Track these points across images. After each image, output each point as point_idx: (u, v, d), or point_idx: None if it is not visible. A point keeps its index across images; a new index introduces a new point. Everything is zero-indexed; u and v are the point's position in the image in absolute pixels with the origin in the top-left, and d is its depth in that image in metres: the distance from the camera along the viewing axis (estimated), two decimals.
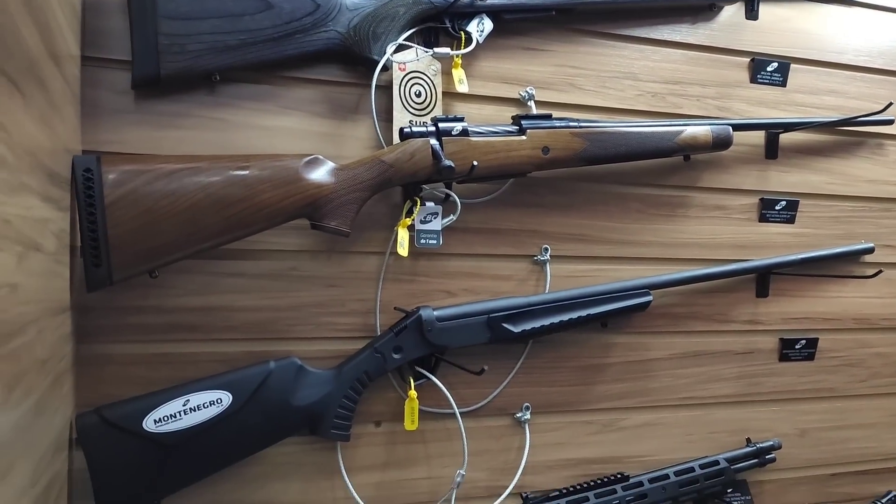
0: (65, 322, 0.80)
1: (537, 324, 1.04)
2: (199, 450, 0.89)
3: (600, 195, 1.15)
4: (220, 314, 0.97)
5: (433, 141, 0.96)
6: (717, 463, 1.17)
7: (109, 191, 0.81)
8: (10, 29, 0.53)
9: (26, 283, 0.58)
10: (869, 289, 1.31)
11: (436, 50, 1.02)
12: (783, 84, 1.26)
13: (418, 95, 1.04)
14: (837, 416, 1.32)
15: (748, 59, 1.24)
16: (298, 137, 1.00)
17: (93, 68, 0.91)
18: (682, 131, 1.11)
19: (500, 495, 1.09)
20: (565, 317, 1.06)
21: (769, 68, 1.25)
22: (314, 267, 1.01)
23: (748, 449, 1.22)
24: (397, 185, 0.98)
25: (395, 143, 1.00)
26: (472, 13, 1.04)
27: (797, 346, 1.28)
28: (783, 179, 1.26)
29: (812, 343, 1.28)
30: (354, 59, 0.99)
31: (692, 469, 1.16)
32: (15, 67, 0.54)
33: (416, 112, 1.03)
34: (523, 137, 1.02)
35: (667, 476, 1.14)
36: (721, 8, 1.22)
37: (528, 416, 1.11)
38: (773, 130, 1.24)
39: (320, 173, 0.92)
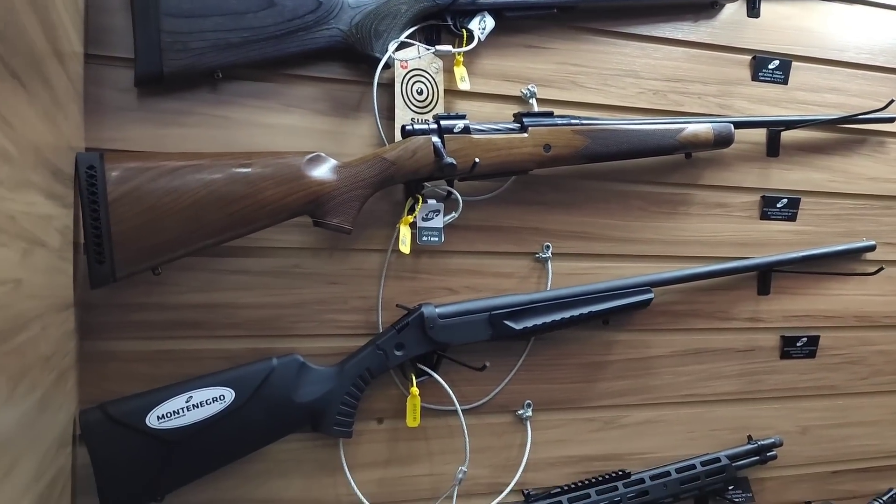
0: (68, 319, 0.81)
1: (539, 321, 1.05)
2: (201, 446, 0.89)
3: (602, 193, 1.16)
4: (223, 311, 0.97)
5: (435, 138, 0.96)
6: (718, 460, 1.18)
7: (112, 188, 0.81)
8: (16, 26, 0.54)
9: (30, 279, 0.58)
10: (870, 286, 1.31)
11: (438, 48, 1.02)
12: (784, 82, 1.26)
13: (420, 93, 1.04)
14: (839, 414, 1.32)
15: (750, 57, 1.24)
16: (301, 135, 1.00)
17: (96, 66, 0.91)
18: (683, 129, 1.11)
19: (502, 492, 1.09)
20: (567, 314, 1.06)
21: (771, 66, 1.25)
22: (316, 264, 1.01)
23: (749, 446, 1.22)
24: (399, 182, 0.98)
25: (396, 140, 1.00)
26: (474, 11, 1.04)
27: (798, 344, 1.28)
28: (784, 177, 1.26)
29: (813, 341, 1.29)
30: (356, 56, 1.00)
31: (693, 466, 1.16)
32: (20, 64, 0.54)
33: (418, 110, 1.04)
34: (525, 135, 1.02)
35: (668, 473, 1.14)
36: (723, 6, 1.22)
37: (529, 413, 1.11)
38: (774, 128, 1.24)
39: (322, 171, 0.92)
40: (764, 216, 1.25)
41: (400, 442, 1.06)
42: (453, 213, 1.03)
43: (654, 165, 1.18)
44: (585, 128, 1.05)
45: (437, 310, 1.00)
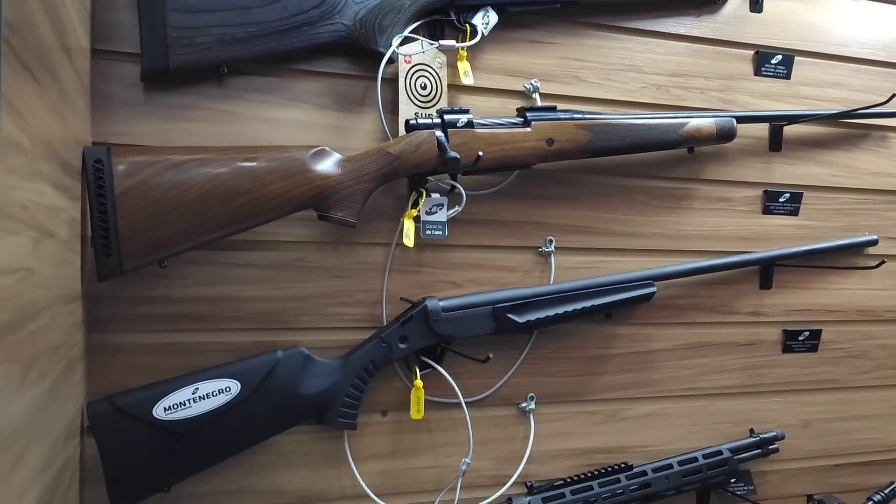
0: (76, 310, 0.81)
1: (542, 314, 1.05)
2: (207, 437, 0.90)
3: (604, 187, 1.16)
4: (229, 304, 0.98)
5: (438, 133, 0.97)
6: (720, 453, 1.18)
7: (119, 181, 0.82)
8: (27, 20, 0.55)
9: (41, 268, 0.59)
10: (872, 280, 1.32)
11: (441, 42, 1.03)
12: (787, 77, 1.26)
13: (424, 88, 1.04)
14: (841, 408, 1.32)
15: (752, 52, 1.24)
16: (305, 129, 1.01)
17: (102, 61, 0.92)
18: (686, 123, 1.12)
19: (505, 484, 1.10)
20: (570, 307, 1.07)
21: (773, 61, 1.25)
22: (321, 258, 1.02)
23: (751, 439, 1.22)
24: (403, 176, 0.99)
25: (400, 135, 1.00)
26: (478, 6, 1.05)
27: (800, 338, 1.28)
28: (787, 172, 1.27)
29: (815, 335, 1.29)
30: (360, 51, 1.00)
31: (696, 459, 1.16)
32: (30, 57, 0.55)
33: (422, 104, 1.04)
34: (528, 129, 1.03)
35: (670, 466, 1.14)
36: (725, 0, 1.22)
37: (532, 405, 1.12)
38: (776, 123, 1.24)
39: (327, 164, 0.93)
40: (766, 211, 1.25)
41: (404, 434, 1.07)
42: (457, 207, 1.04)
43: (656, 160, 1.18)
44: (588, 122, 1.06)
45: (441, 303, 1.01)
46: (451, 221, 1.04)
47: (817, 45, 1.28)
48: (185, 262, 0.94)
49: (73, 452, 0.79)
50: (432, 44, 1.02)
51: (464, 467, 1.05)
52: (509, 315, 1.04)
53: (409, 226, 0.99)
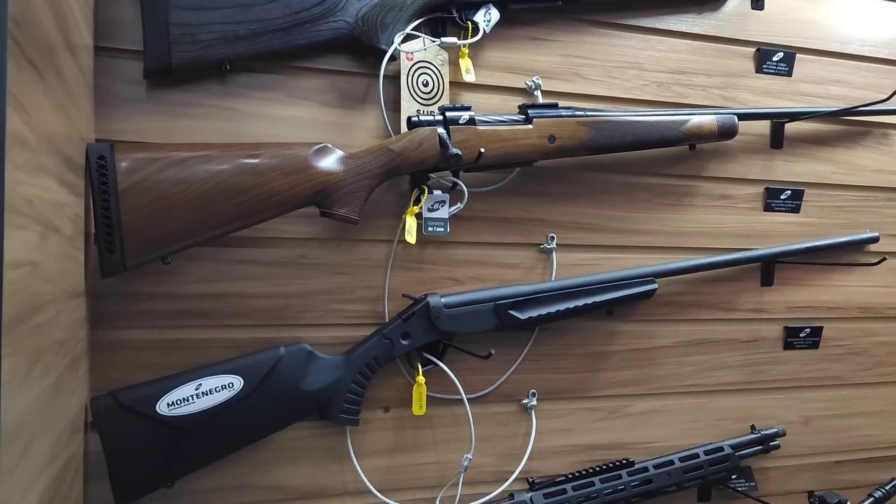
0: (80, 306, 0.82)
1: (543, 311, 1.06)
2: (210, 433, 0.90)
3: (606, 184, 1.16)
4: (231, 301, 0.98)
5: (440, 130, 0.97)
6: (721, 449, 1.19)
7: (123, 178, 0.82)
8: (31, 16, 0.55)
9: (46, 263, 0.59)
10: (874, 278, 1.32)
11: (443, 40, 1.03)
12: (789, 74, 1.26)
13: (426, 85, 1.05)
14: (842, 404, 1.32)
15: (754, 49, 1.24)
16: (307, 127, 1.01)
17: (105, 58, 0.92)
18: (687, 120, 1.12)
19: (507, 480, 1.10)
20: (571, 304, 1.07)
21: (775, 58, 1.25)
22: (323, 254, 1.02)
23: (752, 436, 1.23)
24: (405, 173, 0.99)
25: (402, 132, 1.01)
26: (479, 3, 1.05)
27: (802, 335, 1.28)
28: (788, 169, 1.27)
29: (817, 331, 1.29)
30: (363, 48, 1.00)
31: (697, 455, 1.17)
32: (35, 53, 0.56)
33: (424, 101, 1.04)
34: (530, 126, 1.03)
35: (672, 462, 1.15)
36: None
37: (534, 402, 1.12)
38: (778, 120, 1.24)
39: (329, 161, 0.93)
40: (768, 208, 1.26)
41: (406, 430, 1.07)
42: (459, 204, 1.04)
43: (658, 157, 1.18)
44: (590, 119, 1.06)
45: (443, 299, 1.01)
46: (453, 218, 1.05)
47: (818, 43, 1.28)
48: (187, 258, 0.95)
49: (76, 448, 0.79)
50: (434, 41, 1.03)
51: (466, 463, 1.05)
52: (511, 311, 1.04)
53: (411, 223, 1.00)
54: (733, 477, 1.21)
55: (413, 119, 0.98)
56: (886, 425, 1.36)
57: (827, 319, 1.30)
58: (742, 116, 1.17)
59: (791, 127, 1.25)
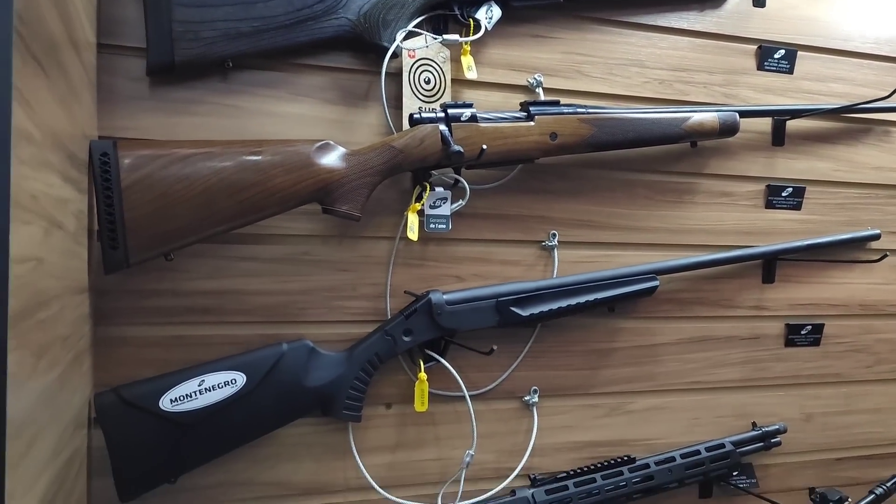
0: (83, 302, 0.82)
1: (545, 308, 1.06)
2: (213, 429, 0.91)
3: (607, 181, 1.16)
4: (234, 297, 0.99)
5: (442, 127, 0.98)
6: (722, 446, 1.19)
7: (125, 175, 0.83)
8: (36, 12, 0.55)
9: (50, 258, 0.59)
10: (875, 275, 1.32)
11: (445, 37, 1.03)
12: (790, 71, 1.26)
13: (427, 82, 1.05)
14: (843, 402, 1.33)
15: (755, 47, 1.24)
16: (310, 124, 1.01)
17: (108, 55, 0.92)
18: (689, 118, 1.12)
19: (509, 476, 1.10)
20: (573, 301, 1.07)
21: (776, 55, 1.25)
22: (326, 251, 1.02)
23: (754, 433, 1.23)
24: (407, 170, 0.99)
25: (404, 129, 1.01)
26: (481, 0, 1.05)
27: (803, 332, 1.29)
28: (790, 166, 1.27)
29: (818, 329, 1.29)
30: (365, 46, 1.01)
31: (698, 452, 1.17)
32: (40, 49, 0.56)
33: (426, 99, 1.05)
34: (531, 123, 1.03)
35: (673, 458, 1.15)
36: None
37: (536, 399, 1.13)
38: (779, 117, 1.24)
39: (332, 158, 0.93)
40: (769, 205, 1.26)
41: (408, 427, 1.07)
42: (460, 201, 1.04)
43: (659, 154, 1.18)
44: (591, 116, 1.06)
45: (445, 296, 1.01)
46: (455, 215, 1.05)
47: (820, 40, 1.28)
48: (190, 255, 0.95)
49: (80, 443, 0.80)
50: (436, 38, 1.03)
51: (468, 459, 1.06)
52: (513, 308, 1.04)
53: (413, 220, 1.00)
54: (734, 474, 1.21)
55: (415, 116, 0.98)
56: (887, 422, 1.36)
57: (828, 317, 1.30)
58: (743, 114, 1.17)
59: (792, 124, 1.25)
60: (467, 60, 1.05)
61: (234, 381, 0.92)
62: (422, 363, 1.03)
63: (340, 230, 1.02)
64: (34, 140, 0.53)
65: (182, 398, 0.89)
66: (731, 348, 1.25)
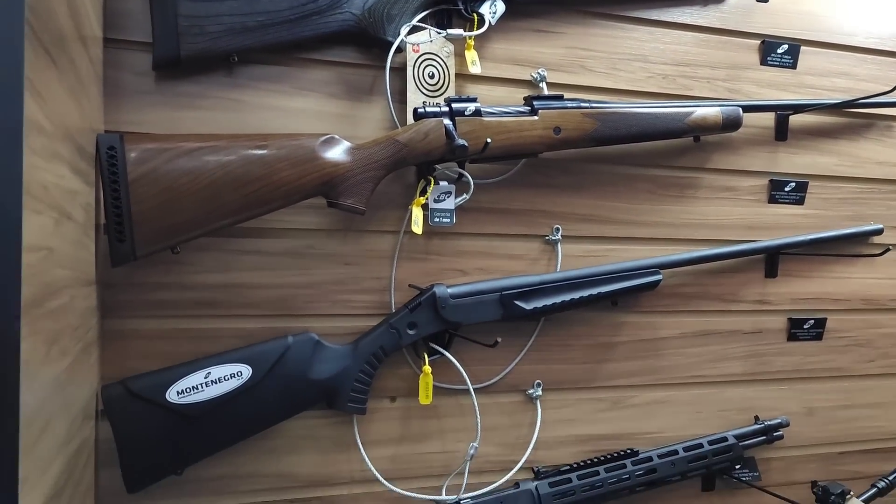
0: (91, 294, 0.83)
1: (549, 301, 1.06)
2: (219, 421, 0.91)
3: (610, 176, 1.17)
4: (239, 291, 0.99)
5: (446, 121, 0.98)
6: (725, 439, 1.19)
7: (132, 168, 0.83)
8: (46, 5, 0.56)
9: (61, 249, 0.60)
10: (877, 270, 1.33)
11: (449, 31, 1.03)
12: (793, 66, 1.27)
13: (431, 77, 1.05)
14: (845, 396, 1.33)
15: (758, 42, 1.25)
16: (314, 118, 1.02)
17: (114, 50, 0.93)
18: (692, 112, 1.13)
19: (512, 469, 1.11)
20: (576, 295, 1.08)
21: (779, 50, 1.25)
22: (330, 245, 1.03)
23: (756, 426, 1.23)
24: (411, 164, 1.00)
25: (409, 123, 1.01)
26: None
27: (805, 326, 1.29)
28: (792, 161, 1.27)
29: (820, 323, 1.30)
30: (369, 40, 1.01)
31: (701, 445, 1.17)
32: (50, 41, 0.56)
33: (430, 93, 1.05)
34: (535, 118, 1.03)
35: (676, 452, 1.16)
36: None
37: (539, 392, 1.13)
38: (782, 112, 1.25)
39: (336, 152, 0.94)
40: (772, 200, 1.26)
41: (412, 420, 1.08)
42: (464, 195, 1.05)
43: (662, 149, 1.19)
44: (595, 111, 1.06)
45: (449, 290, 1.02)
46: (459, 209, 1.05)
47: (823, 35, 1.28)
48: (196, 248, 0.96)
49: (88, 435, 0.80)
50: (440, 33, 1.03)
51: (472, 452, 1.06)
52: (516, 302, 1.05)
53: (417, 213, 1.00)
54: (737, 467, 1.22)
55: (419, 110, 0.99)
56: (890, 416, 1.36)
57: (831, 311, 1.31)
58: (746, 108, 1.17)
59: (795, 119, 1.26)
60: (471, 55, 1.06)
61: (239, 374, 0.92)
62: (426, 356, 1.03)
63: (345, 224, 1.03)
64: (45, 131, 0.54)
65: (188, 390, 0.90)
66: (734, 342, 1.25)
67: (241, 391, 0.92)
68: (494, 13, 1.06)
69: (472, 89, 1.08)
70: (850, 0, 1.30)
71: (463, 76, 1.07)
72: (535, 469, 1.12)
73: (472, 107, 1.00)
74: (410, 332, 1.01)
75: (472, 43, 1.06)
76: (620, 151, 1.15)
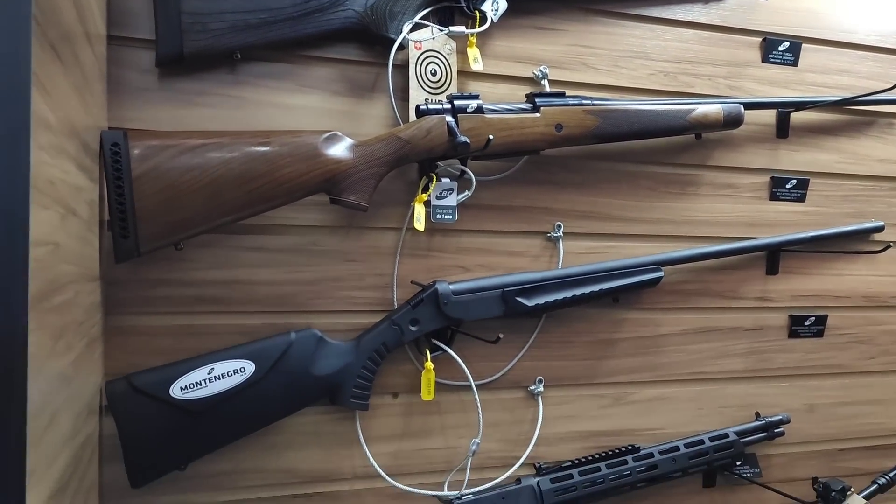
0: (95, 290, 0.83)
1: (550, 298, 1.07)
2: (222, 417, 0.92)
3: (612, 173, 1.17)
4: (242, 287, 1.00)
5: (449, 118, 0.98)
6: (726, 436, 1.19)
7: (136, 165, 0.84)
8: (51, 2, 0.56)
9: (66, 244, 0.60)
10: (878, 267, 1.33)
11: (451, 29, 1.04)
12: (794, 64, 1.27)
13: (434, 74, 1.05)
14: (846, 393, 1.33)
15: (760, 39, 1.25)
16: (317, 115, 1.02)
17: (117, 47, 0.93)
18: (693, 109, 1.13)
19: (514, 465, 1.11)
20: (578, 291, 1.08)
21: (781, 48, 1.26)
22: (333, 242, 1.03)
23: (757, 423, 1.24)
24: (413, 161, 1.00)
25: (411, 120, 1.02)
26: None
27: (806, 323, 1.29)
28: (794, 158, 1.27)
29: (821, 320, 1.30)
30: (371, 37, 1.01)
31: (702, 441, 1.18)
32: (56, 37, 0.57)
33: (432, 90, 1.05)
34: (537, 115, 1.04)
35: (677, 448, 1.16)
36: None
37: (541, 388, 1.13)
38: (783, 109, 1.25)
39: (339, 149, 0.94)
40: (773, 197, 1.26)
41: (415, 416, 1.08)
42: (466, 192, 1.05)
43: (663, 146, 1.19)
44: (597, 108, 1.07)
45: (451, 286, 1.02)
46: (461, 206, 1.06)
47: (824, 32, 1.28)
48: (199, 245, 0.96)
49: (92, 430, 0.81)
50: (442, 30, 1.04)
51: (474, 448, 1.07)
52: (518, 298, 1.05)
53: (419, 210, 1.01)
54: (738, 463, 1.22)
55: (421, 107, 0.99)
56: (890, 413, 1.36)
57: (832, 308, 1.31)
58: (748, 106, 1.18)
59: (796, 116, 1.26)
60: (473, 52, 1.06)
61: (243, 370, 0.93)
62: (428, 353, 1.03)
63: (348, 221, 1.03)
64: (52, 127, 0.54)
65: (192, 386, 0.90)
66: (735, 339, 1.26)
67: (245, 387, 0.92)
68: (496, 10, 1.06)
69: (474, 86, 1.09)
70: None
71: (465, 73, 1.08)
72: (537, 465, 1.12)
73: (474, 104, 1.00)
74: (412, 328, 1.01)
75: (475, 40, 1.06)
76: (622, 148, 1.15)
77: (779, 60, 1.26)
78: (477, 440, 1.07)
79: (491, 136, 1.00)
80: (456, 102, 1.00)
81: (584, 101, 1.07)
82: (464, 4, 1.05)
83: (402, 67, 1.04)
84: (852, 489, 1.20)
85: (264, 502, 1.02)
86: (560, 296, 1.07)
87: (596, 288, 1.09)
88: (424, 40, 1.04)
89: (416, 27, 1.03)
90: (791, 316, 1.29)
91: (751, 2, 1.24)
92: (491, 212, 1.10)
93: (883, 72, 1.32)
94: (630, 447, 1.14)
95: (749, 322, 1.26)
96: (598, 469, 1.11)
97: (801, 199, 1.28)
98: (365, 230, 1.05)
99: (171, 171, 0.85)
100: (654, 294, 1.19)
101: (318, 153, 0.93)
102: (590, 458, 1.12)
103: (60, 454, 0.59)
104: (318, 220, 1.02)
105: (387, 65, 1.01)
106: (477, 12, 1.05)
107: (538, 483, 1.08)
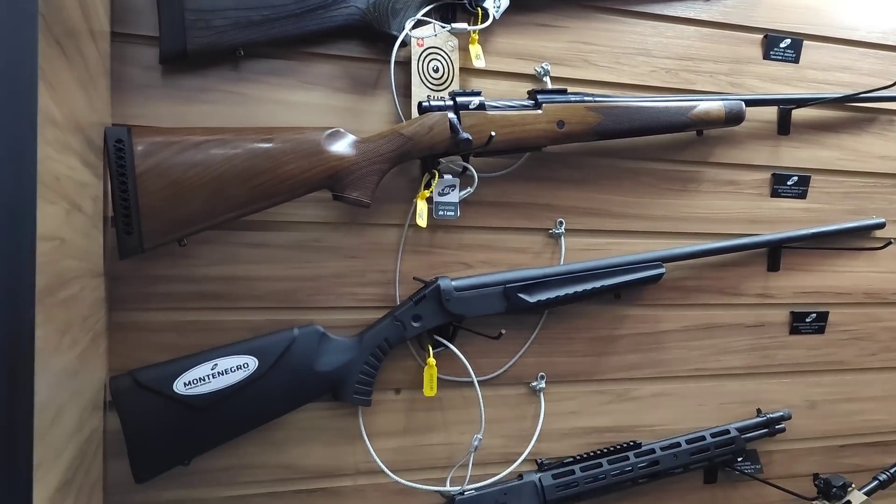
0: (99, 286, 0.83)
1: (552, 294, 1.07)
2: (226, 412, 0.92)
3: (613, 170, 1.17)
4: (245, 283, 1.00)
5: (451, 114, 0.99)
6: (727, 432, 1.20)
7: (139, 161, 0.84)
8: None
9: (72, 239, 0.61)
10: (879, 263, 1.33)
11: (453, 25, 1.04)
12: (796, 60, 1.27)
13: (436, 71, 1.06)
14: (847, 389, 1.34)
15: (761, 36, 1.25)
16: (320, 112, 1.02)
17: (121, 44, 0.93)
18: (695, 106, 1.13)
19: (516, 461, 1.12)
20: (579, 288, 1.09)
21: (782, 45, 1.26)
22: (335, 238, 1.04)
23: (758, 419, 1.24)
24: (416, 157, 1.00)
25: (413, 117, 1.02)
26: None
27: (808, 320, 1.30)
28: (795, 155, 1.28)
29: (822, 317, 1.30)
30: (374, 34, 1.01)
31: (703, 437, 1.18)
32: (61, 33, 0.57)
33: (434, 87, 1.06)
34: (539, 111, 1.04)
35: (678, 444, 1.16)
36: None
37: (542, 385, 1.14)
38: (785, 106, 1.25)
39: (342, 146, 0.94)
40: (774, 193, 1.27)
41: (417, 412, 1.09)
42: (469, 189, 1.05)
43: (665, 143, 1.19)
44: (599, 104, 1.07)
45: (454, 283, 1.03)
46: (463, 203, 1.06)
47: (826, 29, 1.28)
48: (202, 241, 0.96)
49: (97, 425, 0.81)
50: (444, 27, 1.04)
51: (476, 444, 1.07)
52: (520, 295, 1.05)
53: (422, 206, 1.01)
54: (739, 459, 1.22)
55: (424, 104, 0.99)
56: (891, 410, 1.37)
57: (833, 305, 1.31)
58: (749, 102, 1.18)
59: (798, 113, 1.26)
60: (475, 49, 1.06)
61: (246, 366, 0.93)
62: (430, 349, 1.04)
63: (350, 217, 1.04)
64: (57, 123, 0.54)
65: (195, 381, 0.90)
66: (737, 336, 1.26)
67: (248, 383, 0.92)
68: (498, 7, 1.06)
69: (476, 83, 1.09)
70: None
71: (467, 70, 1.08)
72: (539, 461, 1.13)
73: (476, 101, 1.01)
74: (415, 324, 1.02)
75: (477, 37, 1.06)
76: (623, 145, 1.16)
77: (780, 57, 1.26)
78: (479, 436, 1.07)
79: (493, 133, 1.00)
80: (458, 99, 1.00)
81: (586, 98, 1.07)
82: (466, 1, 1.05)
83: (405, 64, 1.04)
84: (853, 485, 1.21)
85: (267, 498, 1.02)
86: (562, 292, 1.08)
87: (598, 284, 1.10)
88: (427, 37, 1.04)
89: (419, 24, 1.03)
90: (792, 312, 1.29)
91: None
92: (493, 208, 1.11)
93: (884, 69, 1.32)
94: (631, 443, 1.14)
95: (750, 319, 1.27)
96: (600, 465, 1.11)
97: (803, 195, 1.28)
98: (367, 227, 1.05)
99: (175, 167, 0.86)
100: (655, 290, 1.19)
101: (320, 150, 0.93)
102: (591, 453, 1.13)
103: (66, 448, 0.59)
104: (321, 216, 1.02)
105: (389, 61, 1.01)
106: (479, 9, 1.05)
107: (540, 479, 1.09)
